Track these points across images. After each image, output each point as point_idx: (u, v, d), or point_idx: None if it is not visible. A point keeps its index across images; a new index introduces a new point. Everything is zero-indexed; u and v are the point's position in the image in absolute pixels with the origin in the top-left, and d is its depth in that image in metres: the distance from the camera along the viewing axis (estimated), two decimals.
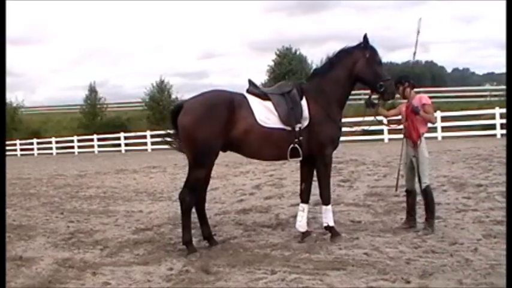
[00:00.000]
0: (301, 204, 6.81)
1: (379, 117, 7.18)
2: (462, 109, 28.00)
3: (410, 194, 7.02)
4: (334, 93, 6.66)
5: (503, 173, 11.10)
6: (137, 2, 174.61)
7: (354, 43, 6.77)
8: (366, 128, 8.07)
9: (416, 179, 6.93)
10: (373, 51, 6.69)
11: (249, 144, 6.32)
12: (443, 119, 25.53)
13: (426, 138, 7.01)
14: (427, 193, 6.84)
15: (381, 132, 26.26)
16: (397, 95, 7.08)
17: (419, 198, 7.01)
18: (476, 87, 44.43)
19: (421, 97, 6.92)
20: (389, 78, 6.74)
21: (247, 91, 6.59)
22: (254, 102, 6.37)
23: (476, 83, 61.22)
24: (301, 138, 6.36)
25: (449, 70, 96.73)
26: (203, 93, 6.58)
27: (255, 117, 6.24)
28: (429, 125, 7.09)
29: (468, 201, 8.44)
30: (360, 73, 6.67)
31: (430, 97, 7.16)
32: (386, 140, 26.22)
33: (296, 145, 6.35)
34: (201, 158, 6.20)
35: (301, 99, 6.50)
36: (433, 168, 12.34)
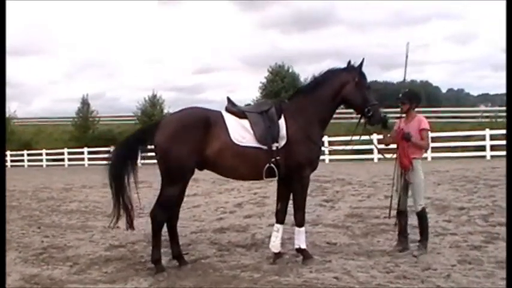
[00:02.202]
0: (276, 225, 6.70)
1: (366, 136, 7.07)
2: (454, 130, 28.01)
3: (402, 214, 6.88)
4: (317, 114, 6.55)
5: (487, 195, 11.06)
6: (135, 15, 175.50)
7: (353, 62, 6.68)
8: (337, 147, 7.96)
9: (410, 200, 6.84)
10: (362, 75, 6.61)
11: (224, 163, 6.20)
12: (434, 139, 25.49)
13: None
14: (422, 215, 6.76)
15: (370, 151, 26.23)
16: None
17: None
18: (469, 108, 44.50)
19: (421, 121, 6.77)
20: (377, 103, 6.66)
21: (226, 109, 6.50)
22: (230, 120, 6.27)
23: (470, 104, 61.48)
24: (278, 158, 6.24)
25: (444, 90, 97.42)
26: (180, 111, 6.50)
27: (230, 135, 6.13)
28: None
29: (448, 224, 8.33)
30: (347, 96, 6.57)
31: (424, 117, 7.01)
32: (375, 160, 26.15)
33: (272, 165, 6.23)
34: (173, 176, 6.10)
35: (280, 118, 6.40)
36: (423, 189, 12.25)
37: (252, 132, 6.18)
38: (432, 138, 24.81)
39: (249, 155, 6.15)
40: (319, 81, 6.69)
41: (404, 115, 6.89)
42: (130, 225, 6.52)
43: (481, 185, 13.00)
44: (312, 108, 6.52)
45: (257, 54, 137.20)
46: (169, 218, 6.43)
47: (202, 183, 16.77)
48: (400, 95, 6.86)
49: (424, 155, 23.78)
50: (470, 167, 18.10)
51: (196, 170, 6.40)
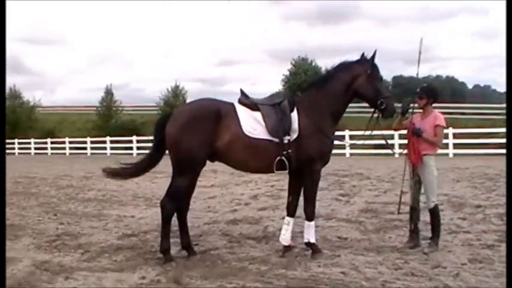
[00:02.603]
0: (286, 218, 6.68)
1: (383, 132, 7.01)
2: (478, 126, 27.59)
3: (414, 211, 6.81)
4: (329, 107, 6.50)
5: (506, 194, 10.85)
6: (161, 7, 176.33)
7: (366, 55, 6.62)
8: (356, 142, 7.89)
9: (421, 197, 6.78)
10: (375, 68, 6.54)
11: (234, 154, 6.20)
12: (456, 135, 25.16)
13: (438, 154, 6.81)
14: (434, 212, 6.67)
15: (392, 146, 26.02)
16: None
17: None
18: (493, 104, 43.69)
19: (436, 117, 6.67)
20: (389, 95, 6.60)
21: (238, 101, 6.48)
22: (242, 112, 6.25)
23: (497, 101, 60.41)
24: (289, 151, 6.21)
25: (470, 86, 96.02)
26: (192, 102, 6.51)
27: (242, 127, 6.12)
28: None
29: (463, 222, 8.20)
30: (360, 89, 6.52)
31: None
32: (397, 155, 25.87)
33: (283, 157, 6.20)
34: (183, 167, 6.13)
35: (292, 111, 6.36)
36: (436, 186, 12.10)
37: (263, 124, 6.16)
38: (455, 134, 24.71)
39: (260, 147, 6.13)
40: (332, 74, 6.66)
41: (421, 110, 6.82)
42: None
43: (500, 182, 12.75)
44: (325, 101, 6.47)
45: (281, 47, 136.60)
46: (180, 208, 6.45)
47: (221, 175, 16.81)
48: (418, 90, 6.78)
49: (446, 151, 23.36)
50: (492, 165, 17.74)
51: (214, 162, 6.47)
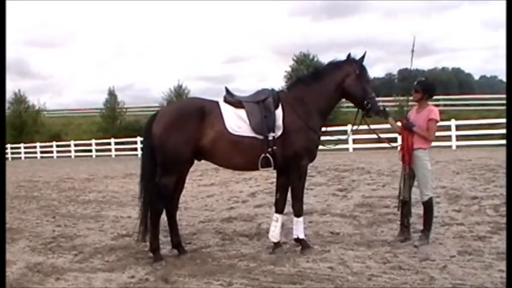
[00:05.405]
0: (275, 214, 6.66)
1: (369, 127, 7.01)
2: (483, 117, 27.42)
3: (405, 204, 6.79)
4: (317, 104, 6.50)
5: (504, 184, 10.78)
6: (166, 5, 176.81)
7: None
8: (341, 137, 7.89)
9: (414, 190, 6.78)
10: (363, 69, 6.58)
11: (219, 152, 6.22)
12: (459, 127, 25.02)
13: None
14: (428, 205, 6.63)
15: (394, 140, 25.88)
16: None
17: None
18: (499, 95, 43.43)
19: (431, 111, 6.65)
20: (374, 95, 6.62)
21: (223, 99, 6.49)
22: (226, 110, 6.27)
23: (503, 91, 59.91)
24: (274, 147, 6.22)
25: (476, 77, 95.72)
26: (178, 101, 6.53)
27: (225, 125, 6.14)
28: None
29: (457, 214, 8.17)
30: (348, 88, 6.54)
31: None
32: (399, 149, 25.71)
33: (268, 154, 6.22)
34: (169, 165, 6.15)
35: (277, 107, 6.37)
36: (436, 178, 12.07)
37: (247, 121, 6.17)
38: (457, 126, 24.57)
39: (244, 144, 6.15)
40: (321, 72, 6.70)
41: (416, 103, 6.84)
42: None
43: (500, 173, 12.66)
44: (312, 98, 6.48)
45: (286, 43, 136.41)
46: (169, 208, 6.49)
47: (222, 173, 16.83)
48: (416, 83, 6.77)
49: (449, 143, 23.06)
50: (494, 156, 17.63)
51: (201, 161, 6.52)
